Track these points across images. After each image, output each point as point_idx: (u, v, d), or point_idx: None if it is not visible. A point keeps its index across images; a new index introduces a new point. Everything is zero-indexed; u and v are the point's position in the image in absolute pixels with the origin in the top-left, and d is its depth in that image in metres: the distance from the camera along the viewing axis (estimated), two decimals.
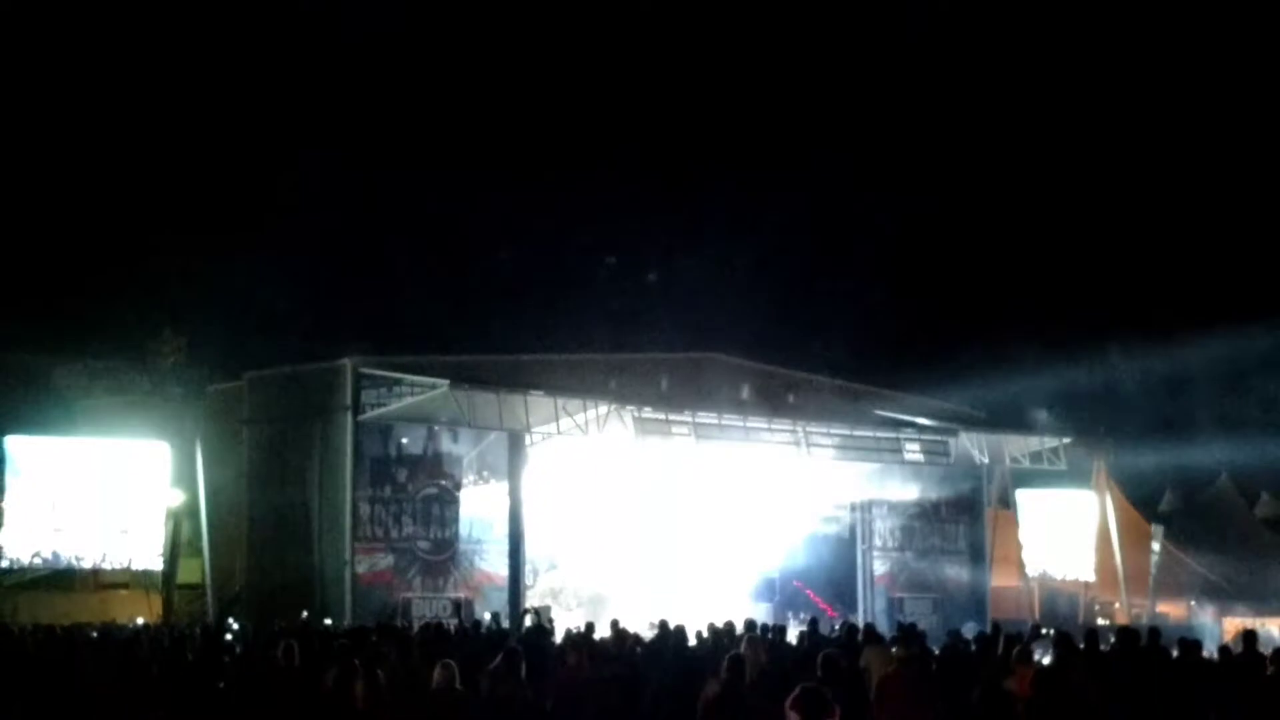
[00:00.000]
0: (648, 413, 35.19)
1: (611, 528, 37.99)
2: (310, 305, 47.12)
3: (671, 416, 35.80)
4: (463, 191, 57.64)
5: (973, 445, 41.16)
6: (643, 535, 38.44)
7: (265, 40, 52.94)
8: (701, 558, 38.78)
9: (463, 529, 35.88)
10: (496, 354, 36.86)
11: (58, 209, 47.07)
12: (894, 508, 43.89)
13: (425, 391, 32.80)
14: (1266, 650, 15.86)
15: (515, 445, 35.20)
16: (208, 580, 34.41)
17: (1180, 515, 52.19)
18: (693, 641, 20.53)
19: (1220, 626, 42.30)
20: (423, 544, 35.40)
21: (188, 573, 34.60)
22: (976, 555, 45.50)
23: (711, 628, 21.98)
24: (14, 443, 31.67)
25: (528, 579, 35.81)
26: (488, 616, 30.53)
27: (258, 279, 43.25)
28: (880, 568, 43.68)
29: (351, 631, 22.44)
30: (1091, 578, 46.69)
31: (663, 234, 55.58)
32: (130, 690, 14.31)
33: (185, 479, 33.86)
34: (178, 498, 33.63)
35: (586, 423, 34.09)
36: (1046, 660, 16.08)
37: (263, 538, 36.04)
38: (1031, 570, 45.77)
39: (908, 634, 19.65)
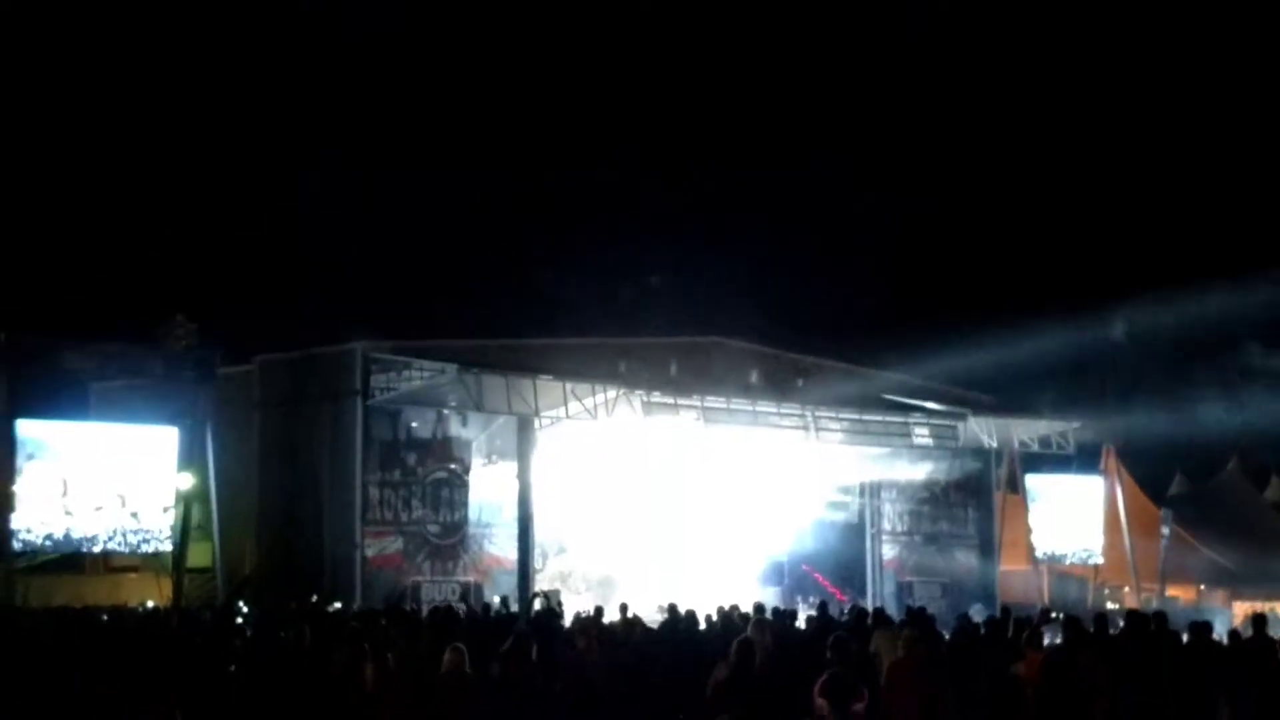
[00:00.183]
0: (656, 397, 35.20)
1: (620, 512, 38.06)
2: (321, 289, 47.22)
3: (680, 401, 35.82)
4: (470, 178, 57.78)
5: (981, 429, 41.16)
6: (652, 519, 38.50)
7: (275, 30, 53.04)
8: (710, 541, 38.85)
9: (472, 513, 35.89)
10: (505, 338, 36.85)
11: (71, 193, 47.19)
12: (903, 492, 43.90)
13: (434, 375, 32.81)
14: (1277, 634, 15.88)
15: (524, 429, 35.22)
16: (218, 564, 34.42)
17: (1190, 499, 52.23)
18: (702, 625, 20.56)
19: (1230, 610, 42.29)
20: (432, 528, 35.42)
21: (198, 556, 34.60)
22: (985, 540, 45.52)
23: (721, 611, 22.00)
24: (26, 426, 31.67)
25: (537, 563, 35.82)
26: (497, 600, 30.58)
27: (269, 263, 43.36)
28: (889, 552, 43.67)
29: (361, 615, 22.48)
30: (1100, 562, 46.68)
31: (670, 219, 55.64)
32: (140, 673, 14.34)
33: (196, 462, 33.86)
34: (188, 481, 33.62)
35: (595, 407, 34.12)
36: (1056, 644, 16.08)
37: (272, 521, 36.07)
38: (1040, 554, 45.73)
39: (917, 618, 19.70)
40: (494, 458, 36.32)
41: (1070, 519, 45.92)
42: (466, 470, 35.96)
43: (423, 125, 58.83)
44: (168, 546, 33.07)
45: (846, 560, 42.77)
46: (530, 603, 29.19)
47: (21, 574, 31.68)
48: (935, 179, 59.30)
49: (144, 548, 33.02)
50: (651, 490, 38.48)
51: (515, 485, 35.33)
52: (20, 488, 31.28)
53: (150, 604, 30.45)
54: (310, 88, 55.65)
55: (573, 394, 33.71)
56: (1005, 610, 21.56)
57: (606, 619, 20.74)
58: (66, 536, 31.85)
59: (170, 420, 33.38)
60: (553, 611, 24.43)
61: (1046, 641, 15.73)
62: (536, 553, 35.87)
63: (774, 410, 37.61)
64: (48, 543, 31.81)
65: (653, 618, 23.45)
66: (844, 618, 22.37)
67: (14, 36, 47.37)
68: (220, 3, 55.56)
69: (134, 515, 32.54)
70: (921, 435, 40.36)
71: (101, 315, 34.14)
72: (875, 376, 41.95)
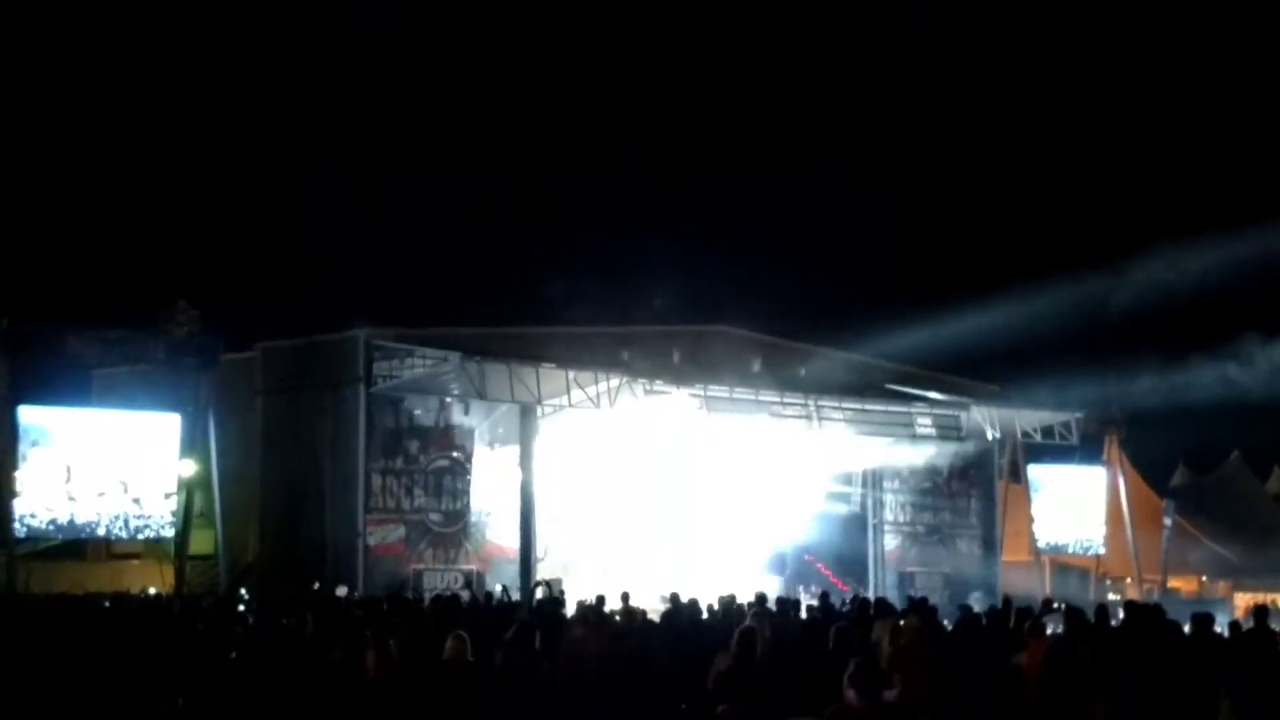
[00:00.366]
0: (659, 385, 35.19)
1: (623, 500, 38.04)
2: (324, 276, 47.24)
3: (683, 389, 35.81)
4: (471, 177, 57.83)
5: (984, 419, 41.09)
6: (654, 508, 38.48)
7: (277, 25, 53.02)
8: (713, 531, 38.83)
9: (474, 501, 35.92)
10: (508, 326, 36.83)
11: (74, 182, 47.21)
12: (905, 482, 43.90)
13: (437, 363, 32.80)
14: (1278, 626, 15.86)
15: (527, 417, 35.22)
16: (220, 551, 34.46)
17: (1192, 490, 52.30)
18: (704, 615, 20.55)
19: (1231, 602, 42.30)
20: (434, 516, 35.45)
21: (200, 543, 34.63)
22: (987, 530, 45.54)
23: (722, 600, 21.99)
24: (28, 412, 31.70)
25: (539, 551, 35.81)
26: (498, 589, 30.60)
27: (271, 250, 43.37)
28: (891, 542, 43.67)
29: (363, 602, 22.49)
30: (1103, 553, 46.67)
31: (671, 218, 55.69)
32: (141, 662, 14.35)
33: (198, 449, 33.89)
34: (190, 468, 33.63)
35: (598, 395, 34.10)
36: (1057, 634, 16.08)
37: (275, 509, 36.09)
38: (1042, 545, 45.72)
39: (918, 608, 19.70)
40: (496, 446, 36.32)
41: (1072, 510, 45.91)
42: (469, 458, 35.98)
43: (424, 124, 58.86)
44: (170, 533, 33.10)
45: (848, 550, 42.73)
46: (532, 592, 29.19)
47: (24, 560, 31.73)
48: (935, 178, 59.37)
49: (146, 534, 33.07)
50: (654, 479, 38.45)
51: (518, 473, 35.33)
52: (23, 474, 31.32)
53: (152, 591, 30.49)
54: (312, 84, 55.68)
55: (575, 382, 33.68)
56: (1007, 600, 21.54)
57: (608, 608, 20.75)
58: (69, 523, 31.89)
59: (172, 407, 33.40)
60: (555, 600, 24.40)
61: (1049, 632, 15.72)
62: (538, 541, 35.86)
63: (776, 399, 37.55)
64: (50, 529, 31.87)
65: (655, 607, 23.44)
66: (845, 607, 22.37)
67: (22, 32, 47.41)
68: (225, 1, 55.59)
69: (136, 502, 32.57)
70: (924, 425, 40.31)
71: (104, 302, 34.20)
72: (878, 366, 41.93)
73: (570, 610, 21.46)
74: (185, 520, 33.32)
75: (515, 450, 35.74)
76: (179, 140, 51.13)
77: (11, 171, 44.24)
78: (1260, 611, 15.16)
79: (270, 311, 38.35)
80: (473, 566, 35.48)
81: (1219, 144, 57.53)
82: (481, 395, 33.58)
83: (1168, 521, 47.80)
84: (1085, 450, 44.73)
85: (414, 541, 35.10)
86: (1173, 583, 48.56)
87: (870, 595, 31.94)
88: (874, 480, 43.15)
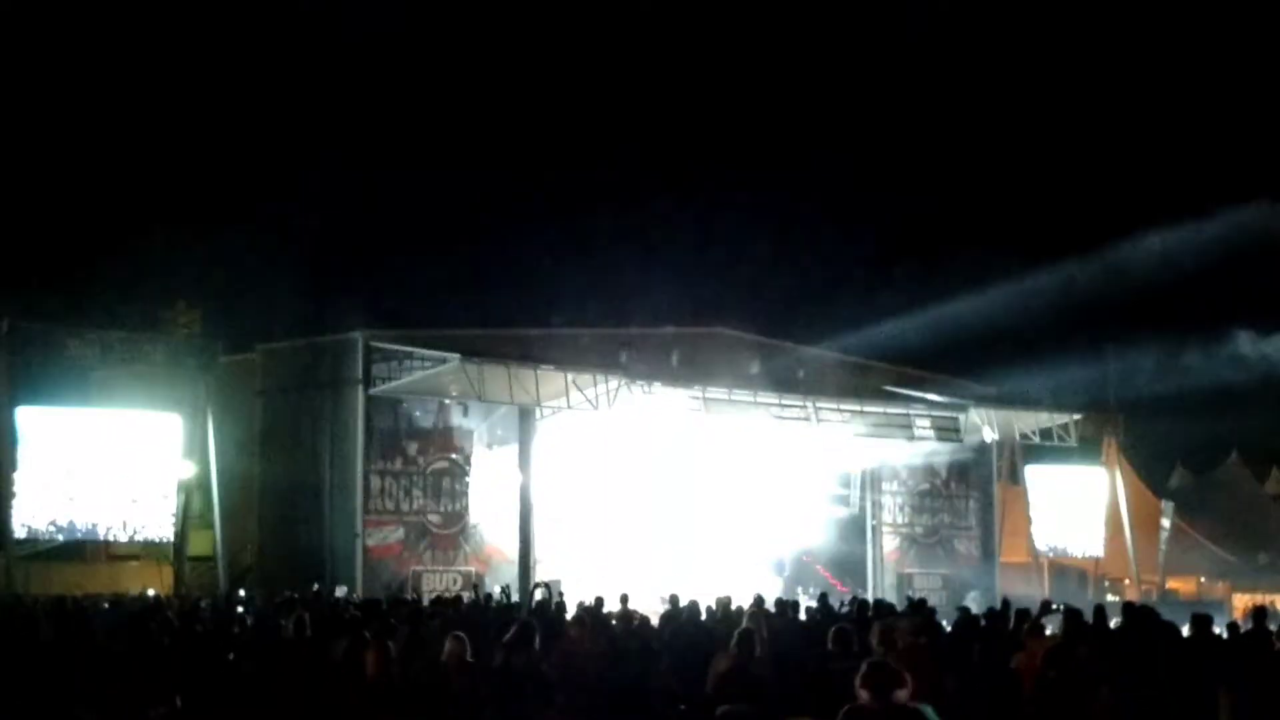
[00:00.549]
0: (658, 387, 35.22)
1: (622, 502, 38.04)
2: (323, 278, 47.30)
3: (682, 391, 35.85)
4: (475, 171, 57.82)
5: (983, 421, 41.12)
6: (653, 510, 38.48)
7: (276, 24, 53.05)
8: (712, 532, 38.83)
9: (473, 502, 35.95)
10: (507, 328, 36.87)
11: (74, 181, 47.23)
12: (903, 484, 43.96)
13: (436, 365, 32.83)
14: (1276, 627, 15.87)
15: (525, 419, 35.25)
16: (219, 552, 34.49)
17: (1190, 492, 52.27)
18: (703, 617, 20.56)
19: (1230, 603, 42.31)
20: (433, 517, 35.49)
21: (199, 544, 34.68)
22: (986, 531, 45.57)
23: (719, 601, 22.00)
24: (27, 413, 31.73)
25: (537, 552, 35.83)
26: (497, 590, 30.60)
27: (271, 251, 43.38)
28: (889, 544, 43.71)
29: (362, 604, 22.49)
30: (1101, 554, 46.67)
31: (672, 210, 55.69)
32: (140, 661, 14.36)
33: (197, 450, 33.94)
34: (189, 469, 33.70)
35: (597, 397, 34.10)
36: (1056, 635, 16.09)
37: (274, 510, 36.14)
38: (1041, 546, 45.73)
39: (918, 609, 19.72)
40: (495, 448, 36.34)
41: (1071, 511, 45.91)
42: (468, 460, 36.02)
43: (424, 124, 58.88)
44: (169, 534, 33.13)
45: (847, 552, 42.74)
46: (531, 593, 29.19)
47: (23, 561, 31.74)
48: (934, 178, 59.43)
49: (145, 536, 33.08)
50: (652, 480, 38.46)
51: (516, 475, 35.35)
52: (22, 475, 31.35)
53: (151, 592, 30.47)
54: (312, 84, 55.70)
55: (574, 384, 33.69)
56: (1005, 602, 21.55)
57: (606, 609, 20.75)
58: (68, 524, 31.92)
59: (172, 408, 33.43)
60: (559, 605, 24.39)
61: (1047, 633, 15.73)
62: (537, 542, 35.88)
63: (775, 401, 37.60)
64: (49, 530, 31.88)
65: (655, 609, 23.45)
66: (844, 609, 22.38)
67: (23, 32, 47.43)
68: (226, 2, 55.62)
69: (135, 503, 32.61)
70: (922, 426, 40.34)
71: (103, 303, 34.07)
72: (877, 368, 41.98)
73: (570, 613, 21.44)
74: (184, 521, 33.37)
75: (514, 452, 35.76)
76: (179, 140, 51.19)
77: (11, 173, 44.28)
78: (1259, 613, 15.14)
79: (269, 313, 38.32)
80: (472, 568, 35.51)
81: (1220, 144, 57.52)
82: (480, 397, 33.58)
83: (1166, 523, 47.82)
84: (1083, 452, 44.74)
85: (413, 543, 35.15)
86: (1171, 584, 48.58)
87: (869, 597, 31.92)
88: (872, 482, 43.18)
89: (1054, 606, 20.01)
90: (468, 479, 35.97)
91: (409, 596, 28.57)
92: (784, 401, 37.71)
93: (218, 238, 41.82)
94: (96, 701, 13.42)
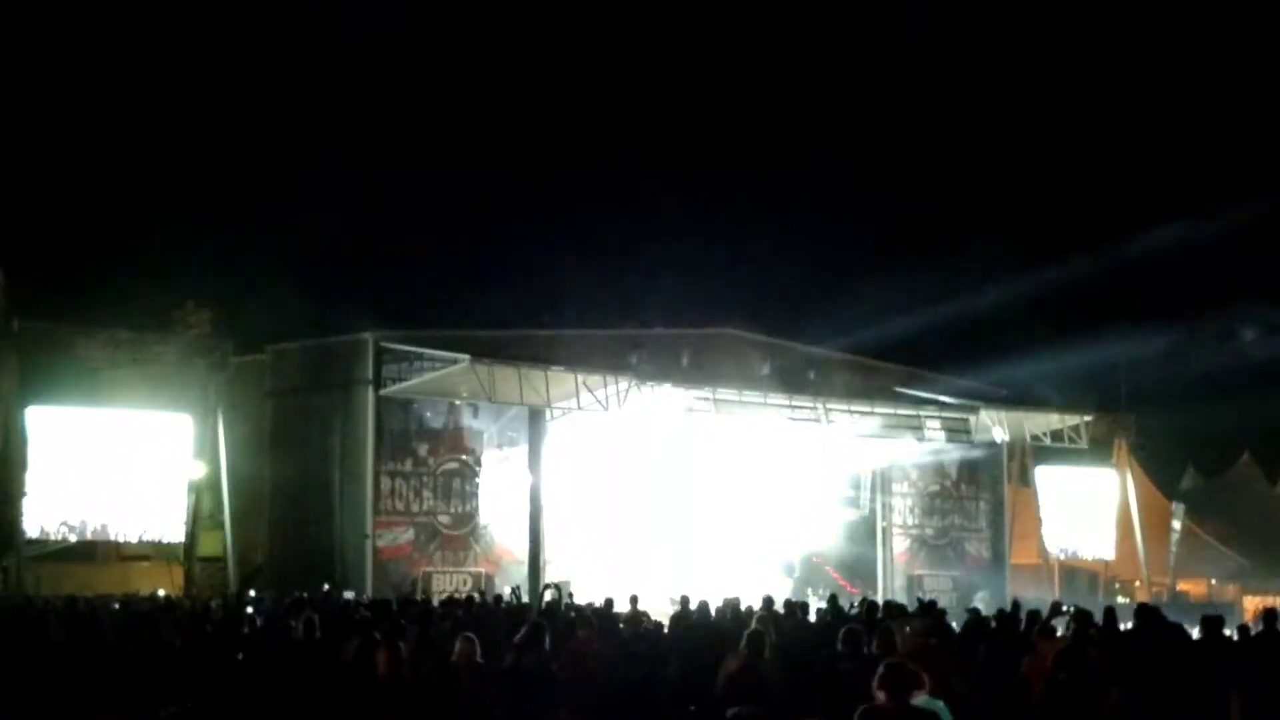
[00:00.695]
0: (668, 388, 35.21)
1: (632, 502, 38.05)
2: (333, 278, 47.33)
3: (692, 392, 35.84)
4: (485, 172, 57.84)
5: (994, 423, 41.07)
6: (663, 510, 38.48)
7: (283, 25, 53.07)
8: (721, 534, 38.83)
9: (483, 503, 35.94)
10: (517, 329, 36.87)
11: (84, 182, 47.29)
12: (914, 485, 43.91)
13: (446, 366, 32.82)
14: None
15: (535, 420, 35.27)
16: (229, 552, 34.49)
17: (1201, 494, 52.15)
18: (713, 617, 20.55)
19: (1240, 605, 42.22)
20: (443, 518, 35.48)
21: (209, 545, 34.70)
22: (996, 533, 45.50)
23: (727, 602, 21.99)
24: (37, 413, 31.77)
25: (547, 553, 35.85)
26: (507, 591, 30.60)
27: (281, 252, 43.42)
28: (900, 545, 43.66)
29: (372, 604, 22.49)
30: (1111, 556, 46.60)
31: (682, 211, 55.68)
32: (151, 661, 14.37)
33: (207, 451, 33.98)
34: (200, 470, 33.73)
35: (607, 398, 34.09)
36: (1066, 636, 16.06)
37: (284, 511, 36.17)
38: (1051, 548, 45.67)
39: (928, 610, 19.69)
40: (505, 448, 36.34)
41: (1082, 512, 45.85)
42: (478, 461, 36.00)
43: (429, 125, 58.90)
44: (179, 535, 33.17)
45: (857, 554, 42.72)
46: (542, 594, 29.19)
47: (33, 561, 31.76)
48: (938, 177, 59.39)
49: (156, 536, 33.10)
50: (663, 481, 38.46)
51: (527, 476, 35.36)
52: (32, 475, 31.38)
53: (161, 593, 30.51)
54: (317, 85, 55.74)
55: (584, 385, 33.67)
56: (1016, 603, 21.51)
57: (616, 610, 20.75)
58: (79, 525, 31.94)
59: (182, 408, 33.45)
60: (565, 603, 24.38)
61: (1058, 635, 15.71)
62: (547, 543, 35.90)
63: (786, 402, 37.58)
64: (60, 530, 31.91)
65: (664, 609, 23.43)
66: (854, 610, 22.35)
67: (37, 36, 47.56)
68: (231, 6, 55.71)
69: (145, 503, 32.63)
70: (933, 429, 40.30)
71: (114, 304, 34.14)
72: (887, 369, 41.95)
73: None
74: (194, 522, 33.40)
75: (524, 453, 35.80)
76: (188, 141, 51.25)
77: (22, 173, 44.33)
78: (1270, 615, 15.11)
79: (280, 313, 38.35)
80: (482, 569, 35.50)
81: (1220, 144, 57.48)
82: (490, 398, 33.58)
83: (1177, 525, 47.74)
84: (1094, 453, 44.67)
85: (423, 544, 35.14)
86: (1182, 586, 48.52)
87: (879, 599, 31.90)
88: (883, 484, 43.15)
89: (1064, 608, 20.00)
90: (478, 480, 35.96)
91: (418, 597, 28.54)
92: (794, 402, 37.68)
93: (228, 238, 41.95)
94: (107, 702, 13.44)
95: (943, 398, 40.79)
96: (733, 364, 38.51)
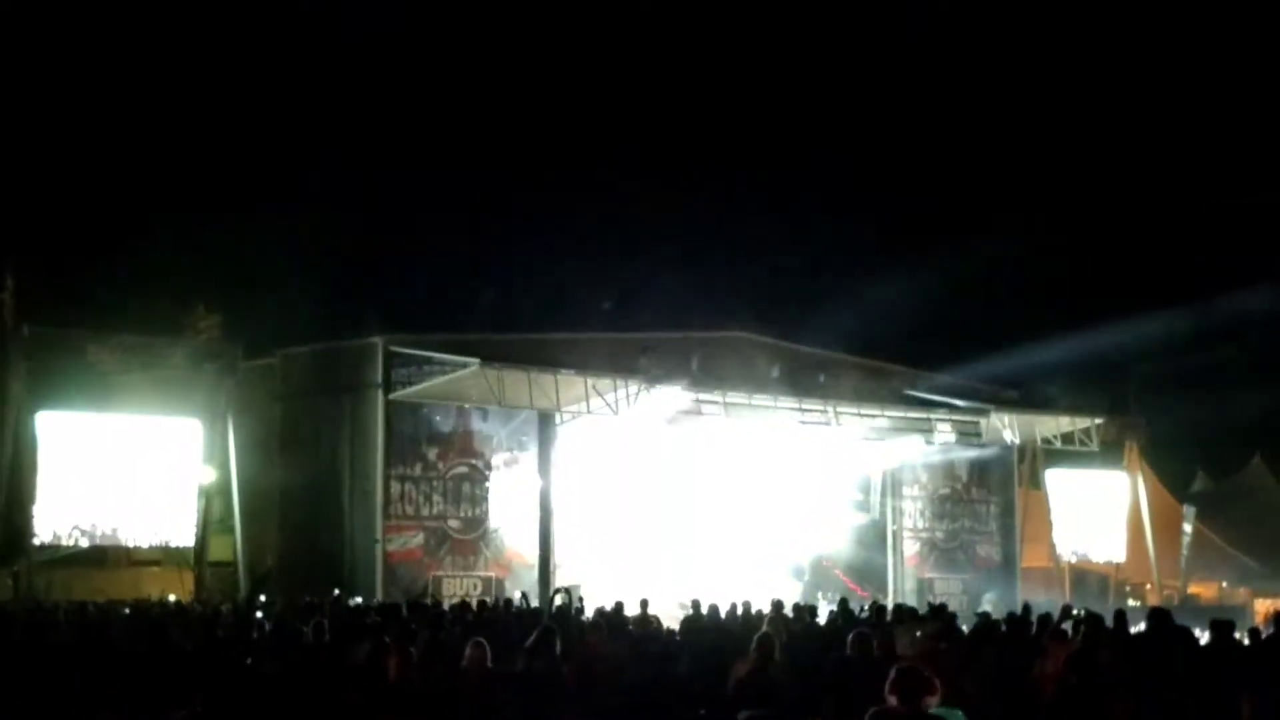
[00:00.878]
0: (678, 391, 35.20)
1: (642, 506, 38.03)
2: (342, 282, 47.33)
3: (702, 396, 35.81)
4: (493, 175, 57.88)
5: (1004, 425, 41.02)
6: (673, 514, 38.46)
7: (288, 26, 53.13)
8: (731, 537, 38.81)
9: (493, 507, 35.93)
10: (526, 333, 36.86)
11: (93, 186, 47.34)
12: (924, 488, 43.85)
13: (456, 370, 32.83)
14: None
15: (545, 424, 35.29)
16: (239, 557, 34.51)
17: (1212, 496, 52.10)
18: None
19: (1251, 608, 42.16)
20: (453, 522, 35.47)
21: (219, 550, 34.73)
22: (1007, 536, 45.43)
23: (736, 606, 22.00)
24: (47, 418, 31.79)
25: (557, 557, 35.85)
26: (518, 595, 30.62)
27: (290, 256, 43.44)
28: (910, 548, 43.60)
29: (382, 609, 22.50)
30: (1122, 559, 46.54)
31: (691, 214, 55.64)
32: (161, 666, 14.39)
33: (217, 455, 34.00)
34: (210, 474, 33.75)
35: (617, 402, 34.08)
36: (1077, 640, 16.04)
37: (294, 515, 36.19)
38: (1062, 551, 45.61)
39: (938, 614, 19.68)
40: (515, 452, 36.34)
41: (1092, 515, 45.77)
42: (488, 465, 36.00)
43: (445, 128, 58.89)
44: (190, 540, 33.18)
45: (867, 557, 42.67)
46: (552, 598, 29.20)
47: (44, 567, 31.78)
48: (941, 177, 59.33)
49: (166, 541, 33.11)
50: (673, 485, 38.46)
51: (536, 480, 35.37)
52: (43, 480, 31.39)
53: (172, 597, 30.53)
54: (322, 86, 55.77)
55: (594, 389, 33.68)
56: (1026, 607, 21.49)
57: (627, 614, 20.76)
58: (89, 529, 31.96)
59: (192, 413, 33.47)
60: (575, 607, 24.39)
61: (1068, 638, 15.69)
62: (557, 547, 35.91)
63: (796, 406, 37.54)
64: (71, 535, 31.92)
65: (675, 614, 23.44)
66: (864, 613, 22.34)
67: (35, 38, 47.64)
68: (234, 8, 55.77)
69: (156, 508, 32.65)
70: (944, 431, 40.25)
71: (123, 308, 34.16)
72: (897, 372, 41.92)
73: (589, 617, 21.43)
74: (205, 527, 33.42)
75: (534, 456, 35.82)
76: (197, 145, 51.27)
77: (30, 179, 44.41)
78: None
79: (289, 317, 38.36)
80: (492, 573, 35.50)
81: (1222, 143, 57.43)
82: (500, 402, 33.60)
83: (1188, 528, 47.70)
84: (1105, 456, 44.61)
85: (433, 548, 35.13)
86: (1193, 589, 48.46)
87: (888, 602, 31.87)
88: (893, 487, 43.11)
89: (1075, 611, 19.98)
90: (487, 484, 35.95)
91: (426, 601, 28.53)
92: (804, 406, 37.65)
93: (237, 242, 41.94)
94: (117, 705, 13.45)
95: (953, 400, 40.75)
96: (742, 367, 38.49)
